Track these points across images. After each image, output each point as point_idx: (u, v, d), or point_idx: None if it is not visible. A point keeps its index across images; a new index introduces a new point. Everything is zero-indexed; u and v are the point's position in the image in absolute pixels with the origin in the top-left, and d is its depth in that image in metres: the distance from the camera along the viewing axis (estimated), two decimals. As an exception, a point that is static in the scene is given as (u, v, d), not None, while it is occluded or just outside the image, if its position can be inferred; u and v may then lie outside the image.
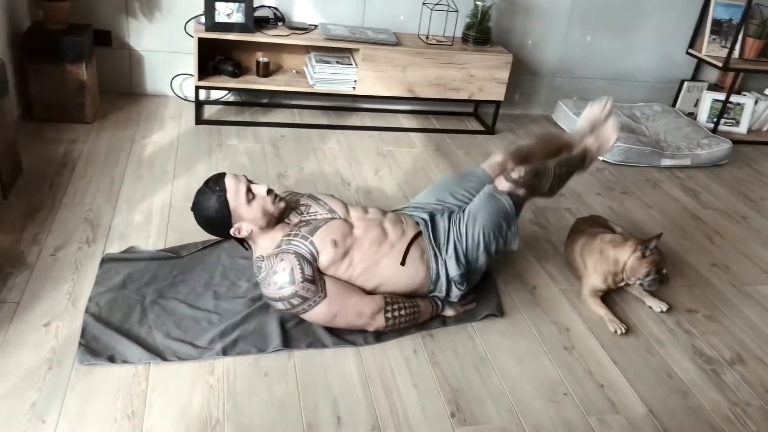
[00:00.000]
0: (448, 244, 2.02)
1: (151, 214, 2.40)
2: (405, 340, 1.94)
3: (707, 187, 3.29)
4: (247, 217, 1.89)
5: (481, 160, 3.21)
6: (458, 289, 2.02)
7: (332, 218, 1.97)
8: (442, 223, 2.07)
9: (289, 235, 1.92)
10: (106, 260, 2.12)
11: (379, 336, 1.95)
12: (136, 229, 2.30)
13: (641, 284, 2.19)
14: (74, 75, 2.90)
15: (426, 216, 2.09)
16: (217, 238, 2.18)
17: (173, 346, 1.81)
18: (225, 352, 1.81)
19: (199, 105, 3.36)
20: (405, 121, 3.60)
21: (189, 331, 1.88)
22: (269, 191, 1.92)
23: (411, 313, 1.96)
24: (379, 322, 1.91)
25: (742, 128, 4.01)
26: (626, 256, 2.16)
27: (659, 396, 1.86)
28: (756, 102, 4.03)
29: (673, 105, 4.11)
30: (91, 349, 1.75)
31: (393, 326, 1.94)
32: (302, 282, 1.82)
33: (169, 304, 1.97)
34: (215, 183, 1.90)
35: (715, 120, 3.88)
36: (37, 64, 2.85)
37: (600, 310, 2.16)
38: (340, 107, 3.64)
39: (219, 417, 1.60)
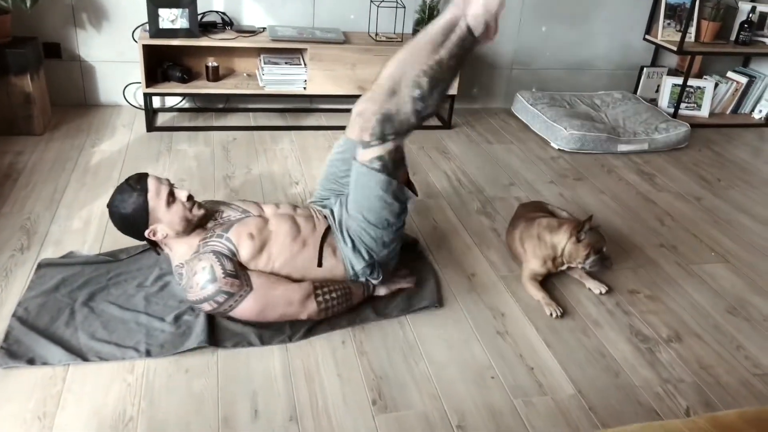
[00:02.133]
0: (346, 238, 1.98)
1: (90, 220, 2.40)
2: (335, 332, 1.93)
3: (663, 170, 3.28)
4: (164, 220, 1.88)
5: (436, 154, 3.24)
6: (373, 279, 2.00)
7: (245, 216, 1.98)
8: (342, 214, 2.02)
9: (205, 238, 1.91)
10: (43, 265, 2.11)
11: (310, 330, 1.93)
12: (73, 235, 2.29)
13: (583, 268, 2.18)
14: (19, 87, 2.91)
15: (328, 210, 2.08)
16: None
17: (96, 347, 1.79)
18: (149, 353, 1.79)
19: (153, 112, 3.37)
20: (362, 120, 3.60)
21: (115, 332, 1.86)
22: (189, 197, 1.92)
23: (342, 295, 1.95)
24: (311, 308, 1.89)
25: (704, 112, 4.00)
26: (563, 241, 2.14)
27: (590, 376, 1.84)
28: (716, 85, 4.02)
29: (635, 92, 4.10)
30: (12, 352, 1.74)
31: (326, 310, 1.91)
32: (224, 277, 1.80)
33: (99, 306, 1.95)
34: (137, 182, 1.88)
35: (675, 105, 3.86)
36: (-19, 78, 2.87)
37: (537, 293, 2.14)
38: (296, 109, 3.64)
39: (133, 414, 1.59)
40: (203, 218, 1.94)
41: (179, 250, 1.92)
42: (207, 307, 1.85)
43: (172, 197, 1.89)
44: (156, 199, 1.87)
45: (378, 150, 1.86)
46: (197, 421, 1.59)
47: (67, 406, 1.59)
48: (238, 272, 1.84)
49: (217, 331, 1.89)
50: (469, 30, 1.85)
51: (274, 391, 1.70)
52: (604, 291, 2.19)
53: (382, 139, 1.84)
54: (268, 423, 1.60)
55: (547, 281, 2.24)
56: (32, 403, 1.59)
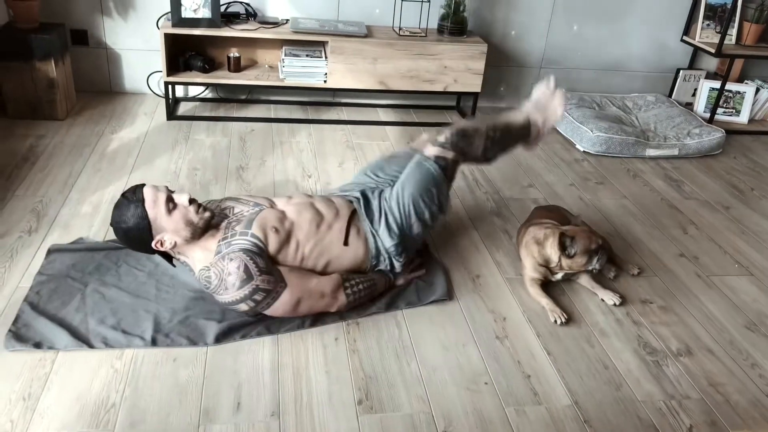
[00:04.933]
0: (380, 217, 2.04)
1: (100, 205, 2.42)
2: (328, 328, 1.90)
3: (693, 177, 3.14)
4: (168, 228, 1.81)
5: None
6: (397, 260, 2.05)
7: (261, 210, 1.95)
8: (374, 201, 2.10)
9: (224, 238, 1.85)
10: (53, 251, 2.13)
11: (317, 319, 1.91)
12: (81, 220, 2.31)
13: (592, 270, 2.10)
14: (44, 72, 2.96)
15: (358, 194, 2.12)
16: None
17: (104, 333, 1.79)
18: (155, 342, 1.78)
19: (175, 101, 3.40)
20: (383, 115, 3.56)
21: (123, 319, 1.86)
22: (192, 201, 1.85)
23: (368, 287, 1.97)
24: (341, 300, 1.90)
25: (743, 118, 3.82)
26: (554, 257, 2.07)
27: (589, 387, 1.76)
28: (757, 90, 3.84)
29: (670, 95, 3.95)
30: (20, 335, 1.75)
31: (353, 302, 1.93)
32: (260, 275, 1.77)
33: (110, 293, 1.95)
34: (132, 193, 1.82)
35: (712, 109, 3.70)
36: (7, 62, 2.92)
37: (542, 299, 2.07)
38: (319, 102, 3.62)
39: (116, 401, 1.58)
40: (210, 220, 1.88)
41: (196, 255, 1.86)
42: (244, 307, 1.81)
43: (171, 203, 1.83)
44: (154, 207, 1.80)
45: (443, 152, 2.02)
46: (178, 411, 1.57)
47: (53, 389, 1.60)
48: (271, 269, 1.82)
49: (227, 325, 1.85)
50: (529, 124, 2.21)
51: (260, 384, 1.67)
52: (618, 302, 2.10)
53: (452, 147, 2.02)
54: (249, 417, 1.57)
55: (556, 287, 2.16)
56: (19, 384, 1.60)
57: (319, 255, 1.93)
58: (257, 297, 1.78)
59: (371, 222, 2.04)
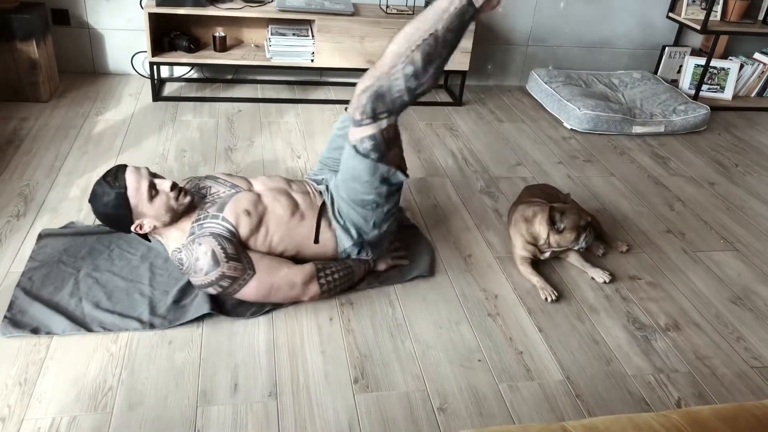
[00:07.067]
0: (336, 214, 1.95)
1: (88, 188, 2.39)
2: (323, 308, 1.91)
3: (679, 154, 3.18)
4: (149, 214, 1.81)
5: (443, 131, 3.17)
6: (361, 257, 1.97)
7: (236, 192, 1.92)
8: (334, 192, 1.99)
9: (198, 219, 1.85)
10: (44, 235, 2.11)
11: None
12: (70, 203, 2.29)
13: (579, 249, 2.13)
14: (25, 53, 2.90)
15: (323, 186, 2.05)
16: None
17: (100, 317, 1.79)
18: (153, 325, 1.78)
19: (161, 82, 3.35)
20: (371, 95, 3.53)
21: (119, 302, 1.85)
22: (173, 186, 1.83)
23: (345, 275, 1.94)
24: (314, 290, 1.88)
25: (727, 94, 3.86)
26: (543, 233, 2.10)
27: (580, 363, 1.80)
28: (742, 67, 3.87)
29: (655, 72, 3.97)
30: (16, 321, 1.74)
31: (329, 291, 1.91)
32: (227, 262, 1.77)
33: (103, 277, 1.95)
34: (114, 178, 1.79)
35: (697, 86, 3.73)
36: (-13, 43, 2.87)
37: (533, 277, 2.09)
38: (307, 82, 3.60)
39: (113, 384, 1.59)
40: (190, 203, 1.87)
41: (171, 235, 1.86)
42: (212, 291, 1.82)
43: (153, 190, 1.81)
44: (137, 195, 1.78)
45: (369, 129, 1.79)
46: (176, 393, 1.58)
47: (49, 374, 1.60)
48: (240, 255, 1.80)
49: (224, 302, 1.87)
50: (469, 1, 1.74)
51: (256, 365, 1.68)
52: (608, 280, 2.12)
53: (374, 117, 1.77)
54: (247, 398, 1.58)
55: (547, 266, 2.19)
56: (15, 369, 1.60)
57: (288, 244, 1.90)
58: (223, 283, 1.78)
59: (334, 217, 1.96)
